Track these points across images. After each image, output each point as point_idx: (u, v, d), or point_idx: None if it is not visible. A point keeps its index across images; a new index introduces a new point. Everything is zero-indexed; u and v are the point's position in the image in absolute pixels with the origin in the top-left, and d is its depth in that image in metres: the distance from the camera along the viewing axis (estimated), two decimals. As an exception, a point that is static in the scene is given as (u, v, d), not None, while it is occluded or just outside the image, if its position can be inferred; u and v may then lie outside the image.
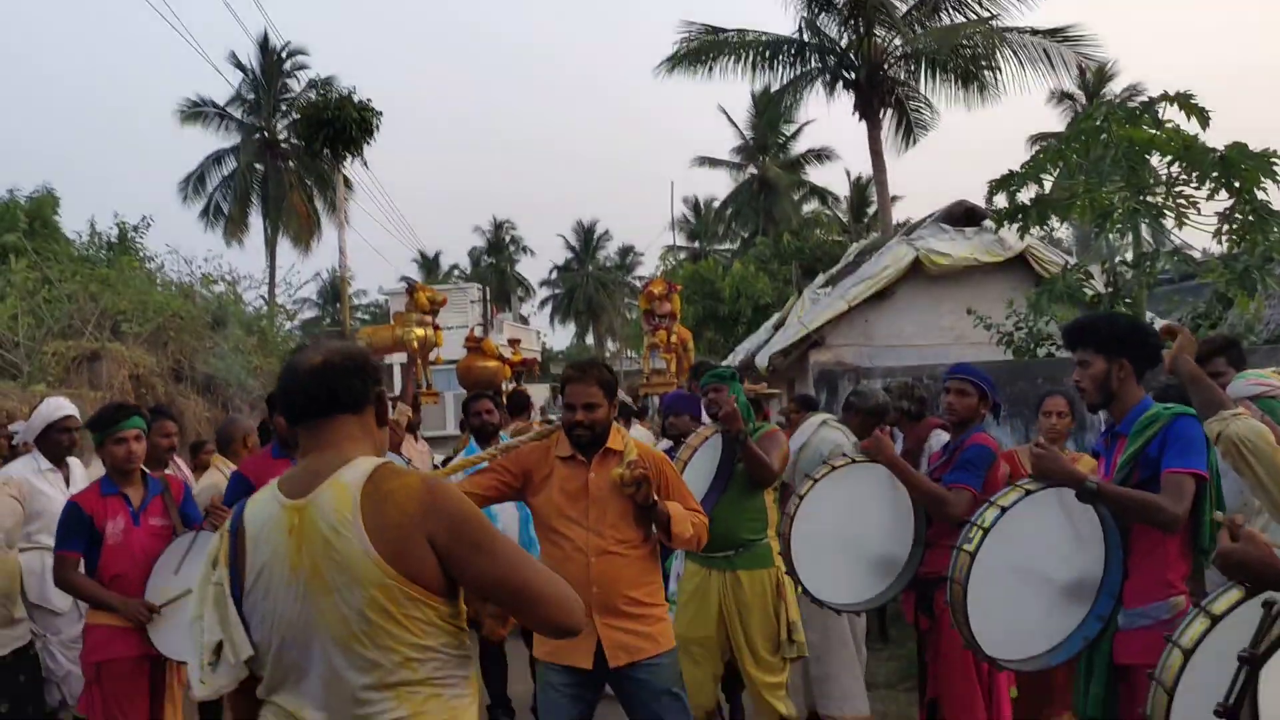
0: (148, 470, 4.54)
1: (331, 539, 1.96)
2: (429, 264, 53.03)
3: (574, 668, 3.58)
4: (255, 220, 36.39)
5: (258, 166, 35.98)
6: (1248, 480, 2.65)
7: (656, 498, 3.53)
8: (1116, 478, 3.10)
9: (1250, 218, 7.43)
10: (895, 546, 4.25)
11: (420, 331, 9.42)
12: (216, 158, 35.73)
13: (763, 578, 4.87)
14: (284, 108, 35.04)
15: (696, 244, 43.41)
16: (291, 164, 34.97)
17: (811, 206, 38.41)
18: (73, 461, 5.24)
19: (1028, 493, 3.13)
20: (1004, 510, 3.11)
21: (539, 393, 22.89)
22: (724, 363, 16.80)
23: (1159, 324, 3.07)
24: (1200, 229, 7.78)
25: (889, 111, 22.28)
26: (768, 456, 4.84)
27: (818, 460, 5.55)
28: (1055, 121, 33.22)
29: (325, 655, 1.97)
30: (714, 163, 39.05)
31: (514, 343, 11.27)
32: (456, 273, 53.32)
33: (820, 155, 38.24)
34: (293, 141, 31.82)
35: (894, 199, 25.86)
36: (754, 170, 38.42)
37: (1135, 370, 3.18)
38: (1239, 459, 2.62)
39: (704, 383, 5.25)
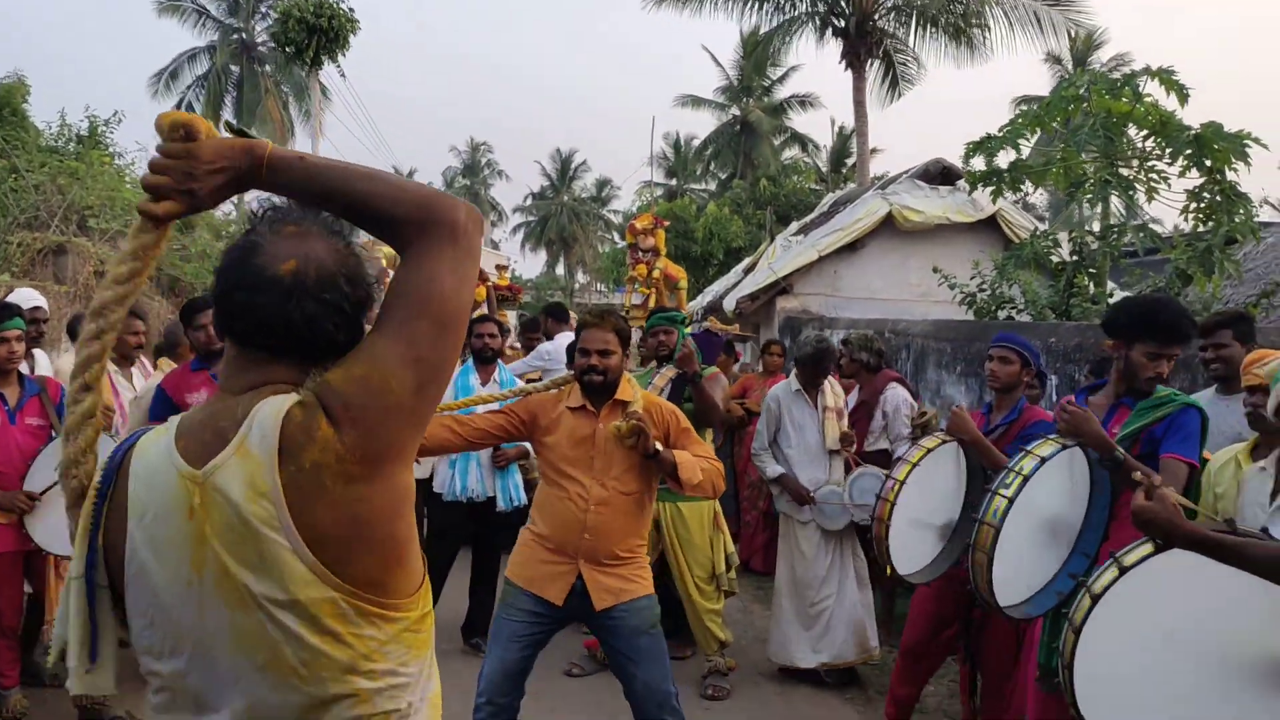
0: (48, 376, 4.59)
1: (246, 534, 1.34)
2: (402, 181, 52.35)
3: (543, 599, 3.62)
4: (228, 123, 35.71)
5: (233, 68, 35.19)
6: None
7: (659, 446, 3.53)
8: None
9: (1219, 198, 7.57)
10: (952, 513, 4.20)
11: (390, 250, 9.40)
12: (191, 55, 34.91)
13: (702, 510, 5.24)
14: (263, 10, 34.20)
15: (673, 182, 43.09)
16: (268, 68, 34.24)
17: (792, 153, 38.24)
18: (38, 353, 5.25)
19: (1064, 446, 3.27)
20: (1043, 461, 3.24)
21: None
22: (691, 303, 16.97)
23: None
24: (1169, 205, 7.93)
25: (875, 63, 22.22)
26: (715, 398, 5.18)
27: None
28: (1043, 84, 33.18)
29: (244, 688, 1.39)
30: (697, 102, 38.65)
31: (501, 269, 11.24)
32: (430, 192, 52.66)
33: (804, 101, 38.01)
34: (271, 46, 31.17)
35: (874, 151, 25.86)
36: (737, 112, 38.14)
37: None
38: None
39: (652, 324, 5.38)
